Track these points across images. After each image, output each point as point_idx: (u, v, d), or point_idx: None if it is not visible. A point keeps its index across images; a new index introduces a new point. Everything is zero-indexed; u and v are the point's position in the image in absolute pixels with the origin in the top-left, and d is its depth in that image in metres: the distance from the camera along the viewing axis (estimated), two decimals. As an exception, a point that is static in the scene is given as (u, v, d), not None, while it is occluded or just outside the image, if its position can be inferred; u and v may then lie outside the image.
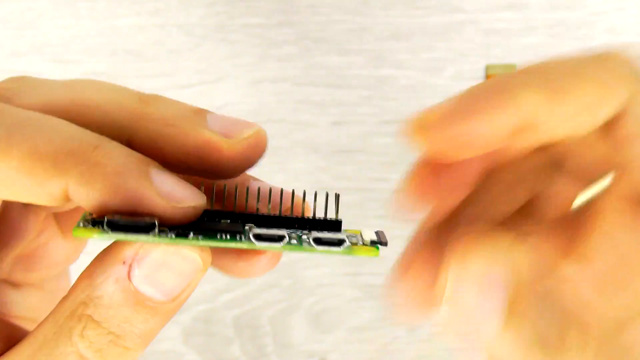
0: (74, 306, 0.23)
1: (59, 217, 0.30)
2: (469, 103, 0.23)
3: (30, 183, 0.23)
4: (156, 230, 0.23)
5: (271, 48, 0.44)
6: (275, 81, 0.44)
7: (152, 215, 0.23)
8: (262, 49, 0.44)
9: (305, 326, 0.45)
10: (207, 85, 0.44)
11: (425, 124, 0.24)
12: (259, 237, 0.24)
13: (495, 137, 0.23)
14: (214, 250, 0.27)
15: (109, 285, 0.23)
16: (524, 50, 0.44)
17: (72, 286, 0.24)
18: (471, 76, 0.45)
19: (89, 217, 0.25)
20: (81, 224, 0.25)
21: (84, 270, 0.24)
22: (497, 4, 0.44)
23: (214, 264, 0.28)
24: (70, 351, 0.23)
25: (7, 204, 0.28)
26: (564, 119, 0.24)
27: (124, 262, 0.23)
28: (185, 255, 0.24)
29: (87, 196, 0.23)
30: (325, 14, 0.44)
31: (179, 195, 0.23)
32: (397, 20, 0.44)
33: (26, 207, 0.28)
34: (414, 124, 0.24)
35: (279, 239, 0.25)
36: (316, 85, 0.45)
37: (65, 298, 0.24)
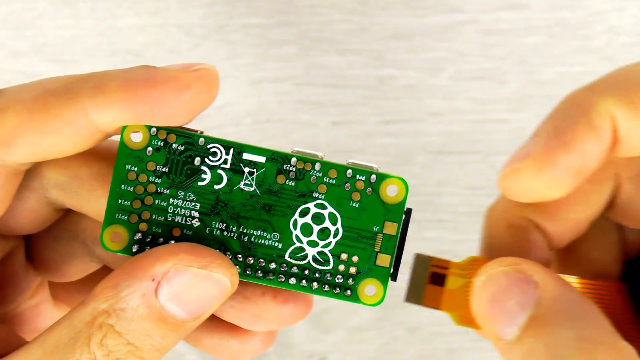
0: (95, 314, 0.23)
1: (54, 287, 0.30)
2: (553, 143, 0.23)
3: (49, 118, 0.23)
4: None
5: (271, 48, 0.44)
6: (275, 81, 0.44)
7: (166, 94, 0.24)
8: (262, 49, 0.44)
9: (305, 326, 0.45)
10: (207, 85, 0.45)
11: (515, 175, 0.24)
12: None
13: (589, 165, 0.23)
14: (205, 329, 0.27)
15: (134, 299, 0.23)
16: (524, 50, 0.45)
17: (92, 293, 0.24)
18: (471, 76, 0.45)
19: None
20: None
21: (106, 280, 0.24)
22: (497, 4, 0.44)
23: (202, 345, 0.28)
24: (87, 358, 0.23)
25: (11, 257, 0.27)
26: None
27: (153, 279, 0.23)
28: (217, 279, 0.24)
29: (106, 106, 0.23)
30: (325, 14, 0.44)
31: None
32: (397, 20, 0.44)
33: (27, 264, 0.28)
34: (506, 175, 0.24)
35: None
36: (316, 85, 0.45)
37: (83, 304, 0.24)
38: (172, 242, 0.25)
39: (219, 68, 0.45)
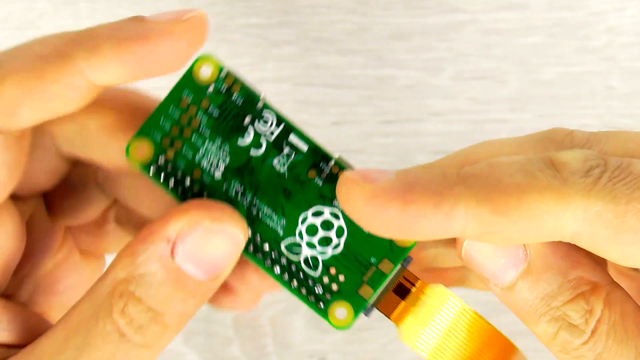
0: (114, 284, 0.23)
1: (77, 238, 0.30)
2: (405, 193, 0.22)
3: (47, 85, 0.23)
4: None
5: (271, 48, 0.44)
6: (275, 81, 0.44)
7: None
8: (262, 49, 0.44)
9: (305, 326, 0.45)
10: (207, 85, 0.45)
11: (361, 195, 0.22)
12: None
13: (426, 235, 0.22)
14: None
15: (152, 263, 0.23)
16: (524, 50, 0.45)
17: (110, 266, 0.24)
18: (471, 76, 0.45)
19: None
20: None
21: (123, 249, 0.24)
22: (497, 4, 0.44)
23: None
24: (110, 329, 0.23)
25: (35, 217, 0.28)
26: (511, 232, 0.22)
27: (168, 240, 0.23)
28: (230, 234, 0.24)
29: (102, 67, 0.23)
30: (325, 14, 0.44)
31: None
32: (397, 20, 0.44)
33: (48, 218, 0.28)
34: (348, 188, 0.22)
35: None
36: (316, 85, 0.45)
37: (102, 279, 0.24)
38: (187, 181, 0.25)
39: (219, 68, 0.45)
